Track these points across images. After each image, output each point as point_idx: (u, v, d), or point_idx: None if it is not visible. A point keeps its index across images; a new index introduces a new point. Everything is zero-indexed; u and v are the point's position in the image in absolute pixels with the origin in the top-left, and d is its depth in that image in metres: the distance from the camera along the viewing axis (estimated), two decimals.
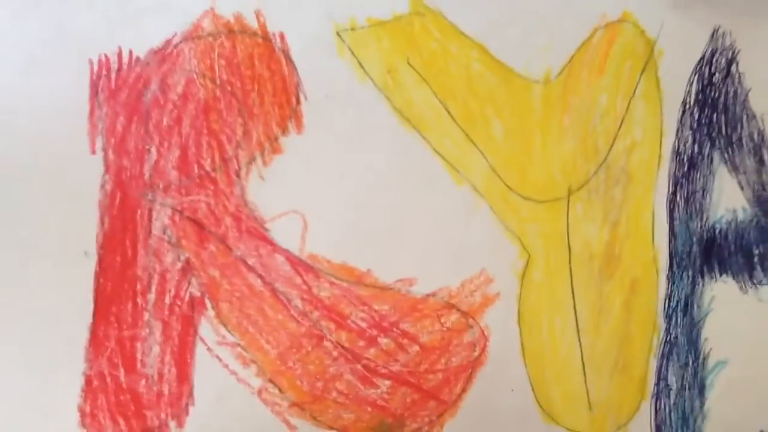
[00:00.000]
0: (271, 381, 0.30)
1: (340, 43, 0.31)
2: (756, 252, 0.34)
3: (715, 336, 0.33)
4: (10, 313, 0.28)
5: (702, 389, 0.33)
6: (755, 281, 0.34)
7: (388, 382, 0.31)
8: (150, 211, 0.30)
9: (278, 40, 0.31)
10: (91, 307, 0.29)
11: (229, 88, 0.31)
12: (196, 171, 0.31)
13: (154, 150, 0.30)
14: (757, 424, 0.33)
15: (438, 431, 0.31)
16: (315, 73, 0.31)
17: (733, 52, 0.34)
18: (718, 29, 0.34)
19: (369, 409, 0.31)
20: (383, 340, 0.31)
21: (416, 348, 0.31)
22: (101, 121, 0.30)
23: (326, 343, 0.31)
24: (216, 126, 0.31)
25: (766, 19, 0.35)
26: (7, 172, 0.29)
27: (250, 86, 0.31)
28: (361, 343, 0.31)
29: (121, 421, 0.29)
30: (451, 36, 0.32)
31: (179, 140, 0.31)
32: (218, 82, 0.31)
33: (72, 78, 0.30)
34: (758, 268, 0.34)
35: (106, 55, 0.30)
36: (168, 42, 0.30)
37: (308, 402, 0.30)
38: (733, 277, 0.34)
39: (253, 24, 0.31)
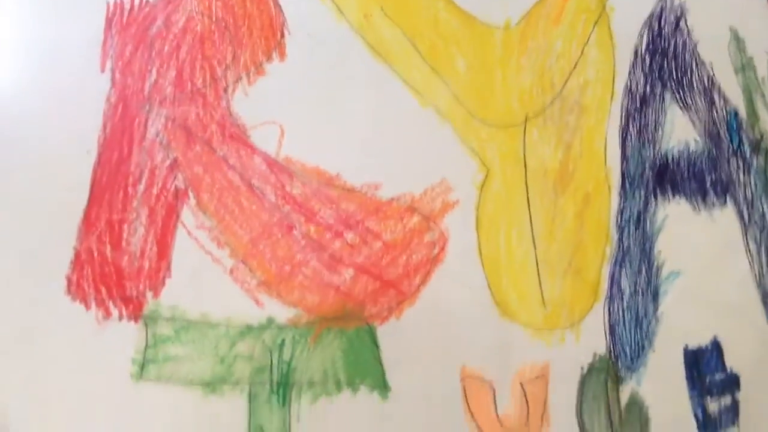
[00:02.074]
0: (242, 262, 0.33)
1: None
2: (708, 179, 0.37)
3: (668, 249, 0.35)
4: (16, 195, 0.32)
5: (655, 296, 0.34)
6: (708, 203, 0.36)
7: (351, 272, 0.33)
8: (146, 119, 0.35)
9: None
10: (87, 194, 0.33)
11: (223, 24, 0.36)
12: (189, 87, 0.35)
13: (154, 71, 0.35)
14: (710, 330, 0.34)
15: (397, 317, 0.33)
16: (299, 15, 0.36)
17: (682, 10, 0.38)
18: None
19: (332, 294, 0.33)
20: (348, 235, 0.34)
21: (379, 244, 0.34)
22: (112, 49, 0.36)
23: (295, 233, 0.34)
24: (209, 52, 0.36)
25: None
26: (27, 82, 0.34)
27: (241, 22, 0.36)
28: (328, 236, 0.34)
29: (103, 290, 0.32)
30: None
31: (177, 63, 0.36)
32: (214, 19, 0.36)
33: (91, 17, 0.35)
34: (711, 193, 0.37)
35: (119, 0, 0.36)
36: None
37: (276, 282, 0.33)
38: (687, 199, 0.36)
39: None
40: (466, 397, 0.32)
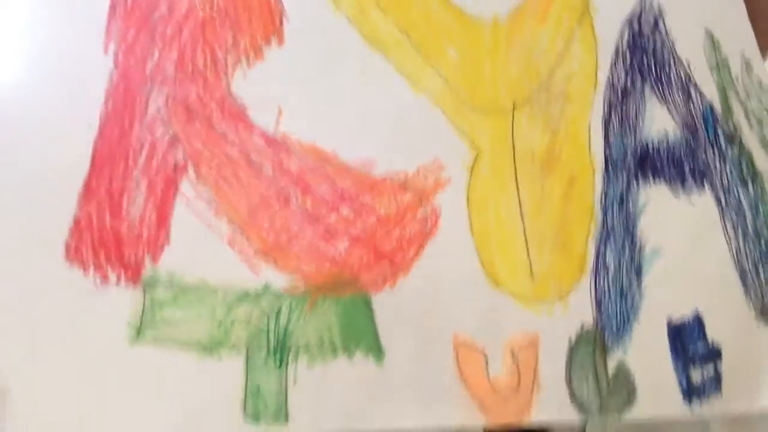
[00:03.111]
0: (240, 231, 0.34)
1: None
2: (687, 166, 0.39)
3: (650, 229, 0.37)
4: (18, 165, 0.33)
5: (639, 272, 0.36)
6: (687, 188, 0.38)
7: (346, 243, 0.34)
8: (148, 97, 0.36)
9: None
10: (87, 165, 0.34)
11: (224, 12, 0.38)
12: (190, 68, 0.37)
13: (156, 53, 0.37)
14: (692, 304, 0.36)
15: (391, 286, 0.34)
16: (297, 5, 0.38)
17: (660, 11, 0.41)
18: None
19: (328, 263, 0.34)
20: (344, 209, 0.35)
21: (374, 218, 0.35)
22: (115, 32, 0.37)
23: (292, 206, 0.35)
24: (210, 37, 0.37)
25: None
26: (30, 61, 0.35)
27: (241, 10, 0.38)
28: (324, 210, 0.35)
29: (102, 255, 0.32)
30: None
31: (178, 46, 0.37)
32: (215, 7, 0.38)
33: (95, 2, 0.37)
34: (689, 179, 0.39)
35: None
36: None
37: (272, 251, 0.33)
38: (666, 184, 0.38)
39: None
40: (458, 362, 0.33)
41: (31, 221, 0.32)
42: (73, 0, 0.35)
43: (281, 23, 0.37)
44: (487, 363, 0.33)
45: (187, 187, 0.34)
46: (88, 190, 0.33)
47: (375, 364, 0.32)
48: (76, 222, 0.33)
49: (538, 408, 0.33)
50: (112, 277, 0.32)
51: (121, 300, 0.31)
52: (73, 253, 0.32)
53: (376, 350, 0.32)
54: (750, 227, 0.39)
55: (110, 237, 0.33)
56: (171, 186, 0.34)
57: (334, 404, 0.31)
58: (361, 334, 0.33)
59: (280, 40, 0.37)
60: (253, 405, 0.30)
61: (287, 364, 0.31)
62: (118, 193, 0.34)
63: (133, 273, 0.32)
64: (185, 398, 0.30)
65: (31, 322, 0.30)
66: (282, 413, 0.31)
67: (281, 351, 0.32)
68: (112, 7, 0.37)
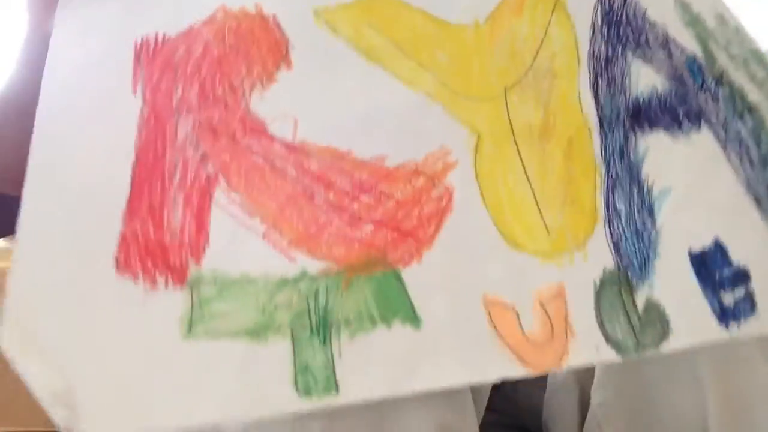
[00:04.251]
0: (272, 227, 0.37)
1: (318, 18, 0.44)
2: (680, 110, 0.42)
3: (655, 171, 0.39)
4: (64, 189, 0.37)
5: (651, 211, 0.38)
6: (684, 131, 0.41)
7: (371, 226, 0.37)
8: (176, 125, 0.40)
9: (271, 18, 0.44)
10: (128, 188, 0.37)
11: (236, 47, 0.43)
12: (211, 97, 0.41)
13: (180, 88, 0.41)
14: (710, 233, 0.37)
15: (418, 260, 0.37)
16: (299, 35, 0.43)
17: None
18: None
19: (356, 245, 0.37)
20: (364, 198, 0.38)
21: (392, 202, 0.38)
22: (141, 76, 0.42)
23: (317, 200, 0.38)
24: (226, 69, 0.42)
25: None
26: (71, 103, 0.40)
27: (250, 44, 0.43)
28: (346, 200, 0.38)
29: (149, 263, 0.35)
30: (401, 8, 0.45)
31: (199, 79, 0.42)
32: (227, 45, 0.43)
33: (123, 54, 0.42)
34: (685, 121, 0.41)
35: (146, 38, 0.42)
36: (191, 27, 0.43)
37: (304, 240, 0.36)
38: (664, 131, 0.41)
39: (252, 11, 0.44)
40: (492, 320, 0.35)
41: (82, 241, 0.35)
42: (103, 53, 0.39)
43: (287, 51, 0.42)
44: (519, 318, 0.35)
45: (220, 194, 0.37)
46: (130, 210, 0.37)
47: (413, 330, 0.34)
48: (123, 237, 0.36)
49: (575, 353, 0.34)
50: (160, 281, 0.35)
51: (171, 301, 0.34)
52: (123, 264, 0.35)
53: (413, 318, 0.34)
54: (755, 156, 0.40)
55: (155, 247, 0.36)
56: (206, 196, 0.37)
57: (378, 370, 0.33)
58: (396, 305, 0.35)
59: (289, 65, 0.41)
60: (303, 381, 0.32)
61: (330, 340, 0.34)
62: (158, 209, 0.37)
63: (179, 276, 0.35)
64: (242, 381, 0.32)
65: (88, 328, 0.33)
66: (332, 384, 0.33)
67: (323, 328, 0.34)
68: (137, 57, 0.42)
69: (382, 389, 0.32)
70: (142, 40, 0.42)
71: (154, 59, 0.43)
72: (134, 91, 0.41)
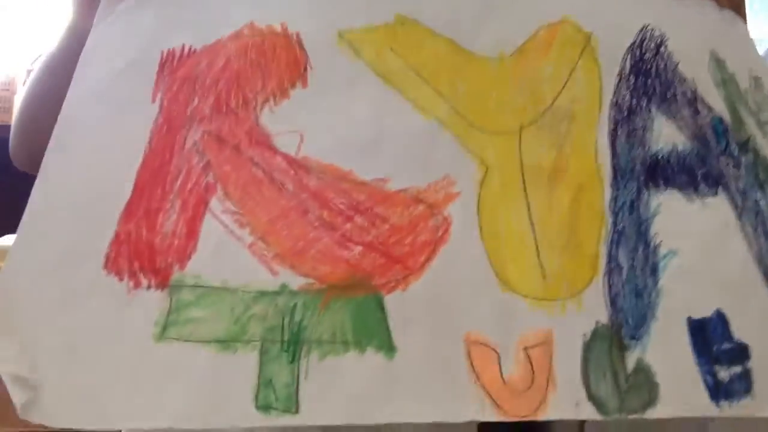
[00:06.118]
0: (260, 239, 0.36)
1: (340, 39, 0.44)
2: (699, 173, 0.40)
3: (664, 231, 0.37)
4: (68, 188, 0.38)
5: (654, 270, 0.36)
6: (700, 193, 0.39)
7: (360, 248, 0.37)
8: (186, 134, 0.41)
9: (294, 36, 0.44)
10: (131, 191, 0.38)
11: (256, 63, 0.44)
12: (224, 108, 0.42)
13: (196, 99, 0.42)
14: (713, 303, 0.35)
15: (403, 288, 0.35)
16: (320, 55, 0.43)
17: (662, 39, 0.44)
18: (647, 26, 0.44)
19: (342, 265, 0.36)
20: (358, 219, 0.38)
21: (387, 226, 0.38)
22: (161, 85, 0.43)
23: (310, 216, 0.38)
24: (243, 83, 0.43)
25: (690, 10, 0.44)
26: (92, 107, 0.41)
27: (270, 60, 0.44)
28: (339, 219, 0.38)
29: (136, 264, 0.36)
30: (427, 35, 0.45)
31: (215, 92, 0.42)
32: (248, 60, 0.44)
33: (148, 64, 0.43)
34: (702, 184, 0.39)
35: (173, 49, 0.44)
36: (218, 41, 0.44)
37: (290, 255, 0.36)
38: (679, 191, 0.39)
39: (278, 29, 0.45)
40: (471, 359, 0.33)
41: (78, 237, 0.36)
42: (129, 65, 0.41)
43: (305, 70, 0.42)
44: (500, 361, 0.33)
45: (215, 203, 0.37)
46: (128, 211, 0.37)
47: (386, 359, 0.33)
48: (116, 237, 0.36)
49: (553, 406, 0.32)
50: (144, 282, 0.35)
51: (151, 302, 0.34)
52: (111, 263, 0.35)
53: (388, 346, 0.33)
54: None
55: (144, 249, 0.36)
56: (201, 204, 0.38)
57: (342, 397, 0.31)
58: (373, 332, 0.34)
59: (304, 83, 0.41)
60: (264, 396, 0.32)
61: (299, 359, 0.33)
62: (154, 213, 0.37)
63: (162, 278, 0.35)
64: (203, 389, 0.31)
65: (69, 323, 0.33)
66: (292, 404, 0.32)
67: (294, 345, 0.33)
68: (161, 68, 0.43)
69: (341, 417, 0.31)
70: (168, 51, 0.44)
71: (176, 70, 0.44)
72: (153, 100, 0.42)
